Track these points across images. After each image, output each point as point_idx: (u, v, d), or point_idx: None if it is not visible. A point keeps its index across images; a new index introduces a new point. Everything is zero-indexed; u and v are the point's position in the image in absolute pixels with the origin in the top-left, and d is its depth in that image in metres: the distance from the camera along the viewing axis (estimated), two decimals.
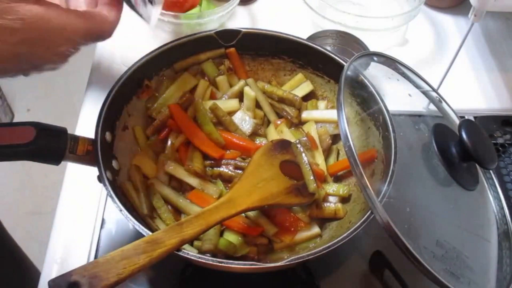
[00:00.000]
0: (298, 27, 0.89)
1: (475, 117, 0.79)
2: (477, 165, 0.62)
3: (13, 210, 1.69)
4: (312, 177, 0.61)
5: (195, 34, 0.69)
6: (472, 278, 0.54)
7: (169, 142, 0.68)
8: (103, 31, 0.49)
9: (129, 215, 0.52)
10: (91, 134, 0.58)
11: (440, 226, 0.57)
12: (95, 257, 0.64)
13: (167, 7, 0.81)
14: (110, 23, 0.50)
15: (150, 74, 0.68)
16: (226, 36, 0.70)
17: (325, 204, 0.63)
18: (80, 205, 0.69)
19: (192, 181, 0.64)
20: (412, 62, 0.68)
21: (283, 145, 0.64)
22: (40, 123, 0.54)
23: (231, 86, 0.73)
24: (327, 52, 0.68)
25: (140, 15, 0.55)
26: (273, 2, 0.95)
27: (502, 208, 0.63)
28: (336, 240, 0.52)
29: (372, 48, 0.81)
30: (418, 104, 0.66)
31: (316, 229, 0.62)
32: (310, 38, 0.81)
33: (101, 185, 0.55)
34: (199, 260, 0.50)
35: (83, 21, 0.47)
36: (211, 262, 0.50)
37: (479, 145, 0.57)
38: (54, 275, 0.62)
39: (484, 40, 0.93)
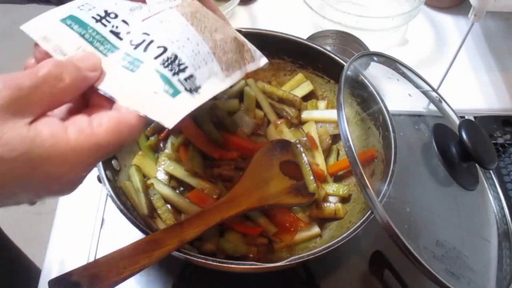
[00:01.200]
0: (298, 27, 0.89)
1: (475, 117, 0.79)
2: (477, 165, 0.62)
3: (13, 210, 1.68)
4: (312, 177, 0.61)
5: None
6: (472, 278, 0.54)
7: (169, 142, 0.68)
8: (132, 139, 0.37)
9: (129, 215, 0.52)
10: None
11: (440, 226, 0.57)
12: (95, 257, 0.64)
13: None
14: (136, 125, 0.36)
15: None
16: None
17: (325, 204, 0.63)
18: (80, 205, 0.69)
19: (192, 181, 0.64)
20: (412, 62, 0.68)
21: (283, 145, 0.64)
22: None
23: (231, 86, 0.72)
24: (327, 52, 0.68)
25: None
26: (273, 2, 0.95)
27: (502, 208, 0.63)
28: (336, 240, 0.52)
29: (372, 48, 0.81)
30: (418, 104, 0.66)
31: (316, 229, 0.62)
32: (310, 38, 0.81)
33: (101, 185, 0.55)
34: (199, 260, 0.50)
35: (104, 138, 0.34)
36: (211, 262, 0.50)
37: (479, 145, 0.57)
38: (54, 275, 0.62)
39: (484, 40, 0.93)
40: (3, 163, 0.31)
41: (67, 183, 0.35)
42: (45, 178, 0.34)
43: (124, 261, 0.45)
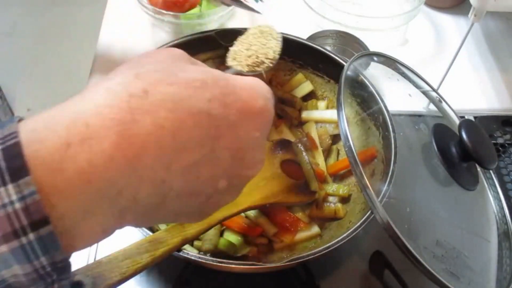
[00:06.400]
0: (298, 27, 0.88)
1: (475, 117, 0.79)
2: (477, 165, 0.62)
3: None
4: (313, 176, 0.61)
5: (195, 34, 0.69)
6: (472, 278, 0.54)
7: None
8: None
9: None
10: None
11: (440, 226, 0.57)
12: (95, 257, 0.64)
13: (167, 7, 0.81)
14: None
15: None
16: (226, 36, 0.70)
17: (325, 204, 0.63)
18: None
19: None
20: (412, 62, 0.68)
21: (283, 145, 0.64)
22: None
23: None
24: (327, 52, 0.68)
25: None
26: (273, 2, 0.95)
27: (502, 208, 0.63)
28: (336, 240, 0.52)
29: (372, 48, 0.81)
30: (418, 104, 0.66)
31: (316, 229, 0.62)
32: (310, 38, 0.81)
33: None
34: (199, 260, 0.50)
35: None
36: (211, 262, 0.50)
37: (479, 145, 0.57)
38: None
39: (484, 40, 0.93)
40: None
41: (262, 129, 0.29)
42: (240, 118, 0.27)
43: (127, 261, 0.45)
